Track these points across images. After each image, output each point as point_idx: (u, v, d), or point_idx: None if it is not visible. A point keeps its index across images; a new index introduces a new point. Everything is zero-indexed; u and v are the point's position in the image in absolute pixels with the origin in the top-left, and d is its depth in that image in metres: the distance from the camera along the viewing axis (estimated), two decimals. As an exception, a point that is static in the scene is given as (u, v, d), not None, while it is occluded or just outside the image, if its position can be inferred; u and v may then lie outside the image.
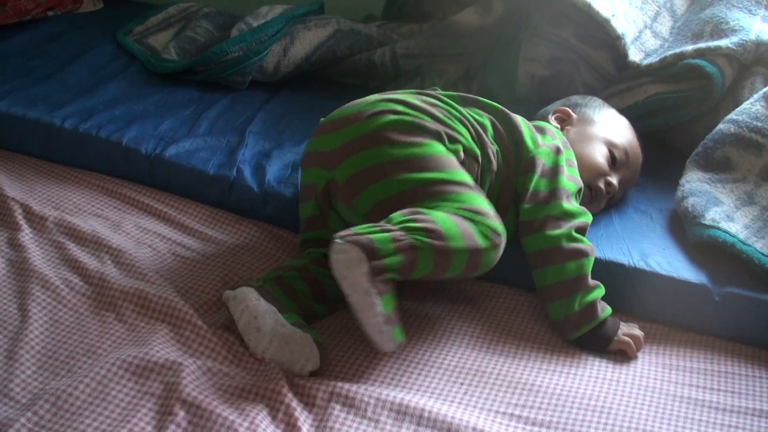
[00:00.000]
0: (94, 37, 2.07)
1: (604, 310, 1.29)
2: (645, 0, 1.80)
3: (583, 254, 1.30)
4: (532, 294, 1.38)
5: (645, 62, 1.69)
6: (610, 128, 1.53)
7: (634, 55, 1.70)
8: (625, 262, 1.36)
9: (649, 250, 1.40)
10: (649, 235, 1.46)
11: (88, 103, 1.72)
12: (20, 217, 1.45)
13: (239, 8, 2.26)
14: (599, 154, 1.47)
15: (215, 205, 1.55)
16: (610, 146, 1.49)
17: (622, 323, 1.30)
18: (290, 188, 1.51)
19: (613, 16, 1.66)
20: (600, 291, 1.30)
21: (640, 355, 1.27)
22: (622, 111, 1.65)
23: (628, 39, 1.71)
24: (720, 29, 1.67)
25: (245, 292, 1.21)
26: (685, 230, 1.43)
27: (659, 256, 1.38)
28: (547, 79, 1.80)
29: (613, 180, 1.48)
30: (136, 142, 1.61)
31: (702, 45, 1.64)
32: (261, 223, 1.51)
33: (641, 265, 1.36)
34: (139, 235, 1.46)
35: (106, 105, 1.72)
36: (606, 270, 1.36)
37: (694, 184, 1.49)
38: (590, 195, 1.46)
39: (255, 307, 1.19)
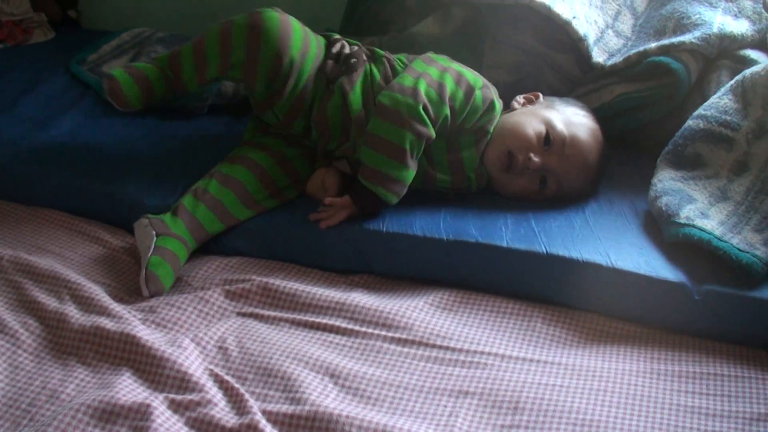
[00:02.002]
0: (46, 68, 2.00)
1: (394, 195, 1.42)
2: (604, 0, 1.77)
3: (406, 125, 1.40)
4: (515, 302, 1.35)
5: (609, 62, 1.67)
6: (561, 115, 1.50)
7: (598, 56, 1.67)
8: (602, 263, 1.33)
9: (626, 249, 1.37)
10: (625, 235, 1.42)
11: (43, 136, 1.66)
12: (-27, 259, 1.38)
13: (193, 30, 2.20)
14: (531, 128, 1.47)
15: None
16: (549, 126, 1.47)
17: None
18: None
19: (573, 18, 1.63)
20: (408, 175, 1.43)
21: (627, 361, 1.23)
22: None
23: (591, 40, 1.67)
24: (682, 24, 1.64)
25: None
26: (661, 230, 1.40)
27: (636, 256, 1.35)
28: (512, 86, 1.75)
29: (536, 158, 1.45)
30: (92, 178, 1.55)
31: (665, 41, 1.61)
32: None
33: (618, 264, 1.33)
34: (97, 269, 1.40)
35: (62, 138, 1.66)
36: (583, 270, 1.33)
37: (667, 182, 1.45)
38: (509, 163, 1.47)
39: None
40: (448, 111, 1.45)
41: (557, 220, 1.47)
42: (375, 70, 1.54)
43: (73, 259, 1.42)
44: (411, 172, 1.44)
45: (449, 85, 1.45)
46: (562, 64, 1.73)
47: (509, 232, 1.42)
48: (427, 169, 1.50)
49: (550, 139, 1.47)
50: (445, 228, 1.43)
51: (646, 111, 1.63)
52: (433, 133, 1.43)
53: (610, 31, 1.74)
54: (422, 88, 1.43)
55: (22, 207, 1.56)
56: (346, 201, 1.45)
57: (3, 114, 1.75)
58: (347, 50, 1.58)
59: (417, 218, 1.46)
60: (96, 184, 1.54)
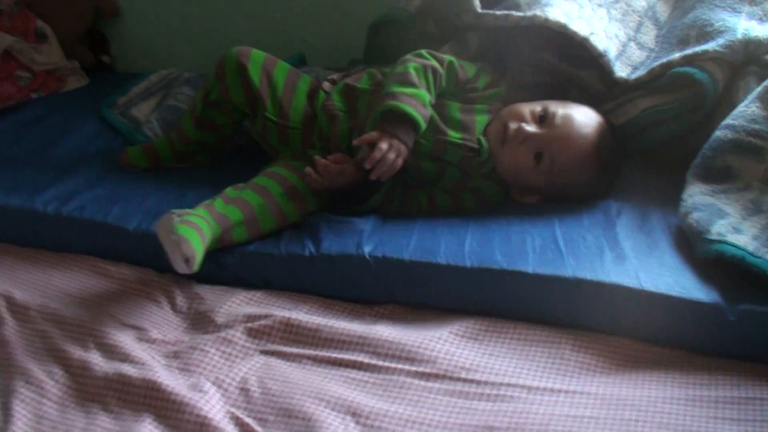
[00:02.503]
0: (79, 115, 2.02)
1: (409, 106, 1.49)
2: (625, 12, 1.72)
3: (408, 60, 1.57)
4: (543, 329, 1.32)
5: (633, 76, 1.62)
6: (562, 102, 1.55)
7: (621, 71, 1.63)
8: (632, 285, 1.29)
9: (656, 270, 1.33)
10: (656, 253, 1.38)
11: (70, 184, 1.67)
12: (3, 309, 1.39)
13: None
14: (527, 106, 1.54)
15: (208, 280, 1.49)
16: (544, 105, 1.53)
17: None
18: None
19: (591, 34, 1.59)
20: (419, 93, 1.51)
21: (660, 387, 1.18)
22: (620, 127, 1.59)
23: (612, 55, 1.63)
24: (705, 32, 1.59)
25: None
26: (692, 247, 1.34)
27: (667, 276, 1.30)
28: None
29: (527, 127, 1.50)
30: (121, 220, 1.56)
31: (689, 51, 1.56)
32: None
33: (648, 286, 1.28)
34: (124, 312, 1.40)
35: (89, 185, 1.68)
36: (612, 294, 1.29)
37: (697, 197, 1.40)
38: (503, 133, 1.52)
39: None
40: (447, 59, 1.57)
41: (586, 240, 1.42)
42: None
43: (100, 303, 1.42)
44: (422, 91, 1.51)
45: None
46: (586, 81, 1.69)
47: (536, 257, 1.38)
48: (438, 123, 1.54)
49: (545, 117, 1.51)
50: (469, 254, 1.40)
51: (672, 124, 1.58)
52: (435, 63, 1.55)
53: (632, 44, 1.69)
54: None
55: (52, 254, 1.57)
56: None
57: (33, 164, 1.77)
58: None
59: (442, 244, 1.43)
60: (124, 228, 1.55)
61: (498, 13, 1.62)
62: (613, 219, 1.49)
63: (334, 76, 1.74)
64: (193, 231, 1.36)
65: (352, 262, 1.43)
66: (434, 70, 1.56)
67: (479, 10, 1.64)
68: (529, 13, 1.60)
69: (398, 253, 1.42)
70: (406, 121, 1.49)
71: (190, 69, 2.23)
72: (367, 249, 1.44)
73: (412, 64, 1.55)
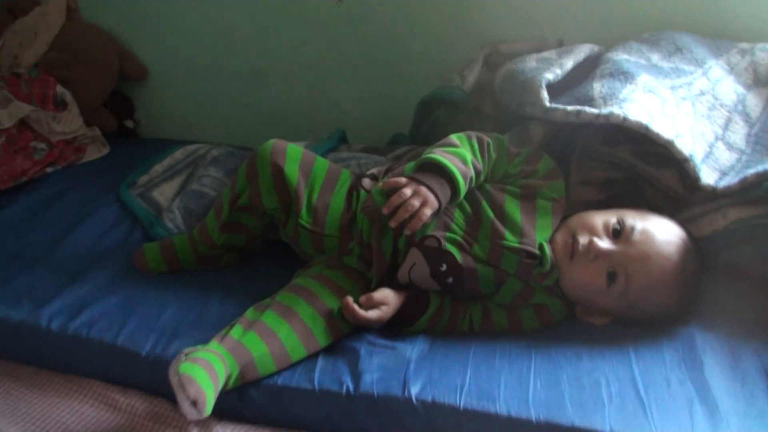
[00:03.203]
0: (97, 194, 1.84)
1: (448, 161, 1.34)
2: (712, 106, 1.51)
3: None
4: None
5: (721, 184, 1.40)
6: (639, 214, 1.37)
7: (708, 177, 1.41)
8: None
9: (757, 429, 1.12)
10: (755, 407, 1.18)
11: (80, 292, 1.48)
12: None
13: (252, 142, 2.04)
14: (600, 216, 1.37)
15: (230, 417, 1.30)
16: (620, 216, 1.36)
17: None
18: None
19: (677, 136, 1.38)
20: (463, 153, 1.37)
21: None
22: (699, 241, 1.39)
23: (698, 158, 1.42)
24: (808, 138, 1.37)
25: None
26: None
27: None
28: (605, 204, 1.51)
29: (599, 242, 1.32)
30: (132, 341, 1.37)
31: (789, 161, 1.34)
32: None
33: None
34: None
35: (101, 292, 1.49)
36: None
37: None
38: (573, 248, 1.34)
39: None
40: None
41: (671, 386, 1.23)
42: None
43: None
44: (463, 150, 1.38)
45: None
46: (665, 182, 1.48)
47: (613, 409, 1.19)
48: (495, 225, 1.38)
49: (621, 230, 1.34)
50: (535, 402, 1.21)
51: (766, 240, 1.36)
52: (480, 133, 1.42)
53: (720, 144, 1.48)
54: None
55: (57, 377, 1.39)
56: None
57: (41, 262, 1.58)
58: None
59: (502, 385, 1.24)
60: (137, 352, 1.36)
61: (570, 109, 1.42)
62: (698, 355, 1.29)
63: (374, 171, 1.55)
64: (200, 369, 1.19)
65: (397, 406, 1.24)
66: (479, 138, 1.42)
67: (548, 104, 1.45)
68: (605, 111, 1.40)
69: (451, 396, 1.23)
70: (441, 173, 1.34)
71: (220, 138, 2.10)
72: (414, 390, 1.24)
73: (455, 134, 1.43)
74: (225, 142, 2.04)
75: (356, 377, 1.27)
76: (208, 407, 1.18)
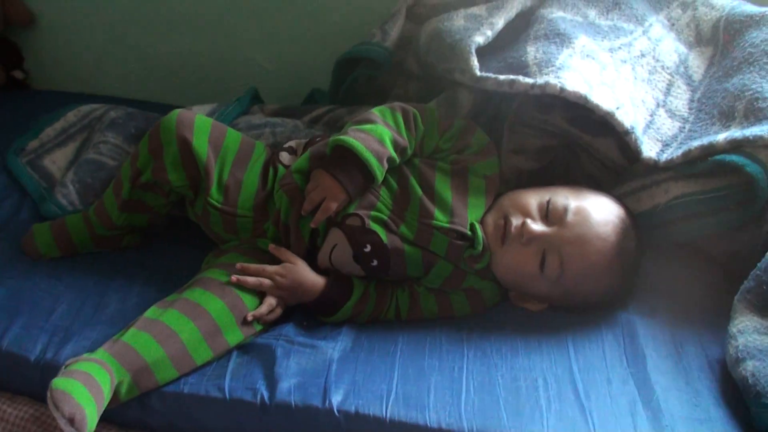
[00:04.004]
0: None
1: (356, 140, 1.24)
2: (653, 69, 1.40)
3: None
4: None
5: (663, 157, 1.30)
6: (572, 190, 1.28)
7: (650, 149, 1.31)
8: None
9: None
10: (698, 411, 1.10)
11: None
12: None
13: (157, 96, 1.89)
14: (534, 195, 1.28)
15: (133, 426, 1.17)
16: (553, 195, 1.27)
17: None
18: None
19: (617, 107, 1.27)
20: (376, 128, 1.26)
21: None
22: (640, 217, 1.30)
23: (639, 129, 1.31)
24: (756, 108, 1.27)
25: None
26: (746, 403, 1.06)
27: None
28: (538, 174, 1.42)
29: (535, 227, 1.23)
30: (19, 345, 1.21)
31: (737, 134, 1.24)
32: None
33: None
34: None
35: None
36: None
37: (751, 337, 1.11)
38: (505, 231, 1.25)
39: None
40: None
41: (612, 385, 1.15)
42: None
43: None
44: (379, 126, 1.26)
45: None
46: (603, 151, 1.38)
47: (551, 415, 1.10)
48: (424, 203, 1.27)
49: (554, 211, 1.25)
50: (468, 410, 1.11)
51: (710, 218, 1.27)
52: (407, 106, 1.31)
53: (661, 111, 1.37)
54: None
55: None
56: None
57: None
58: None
59: (432, 389, 1.14)
60: (24, 357, 1.20)
61: (502, 78, 1.29)
62: (640, 347, 1.21)
63: (293, 144, 1.40)
64: (76, 383, 1.06)
65: (317, 417, 1.12)
66: (404, 111, 1.31)
67: (478, 73, 1.31)
68: (540, 81, 1.27)
69: (376, 406, 1.11)
70: (352, 158, 1.24)
71: (119, 92, 1.92)
72: (336, 399, 1.12)
73: (377, 107, 1.32)
74: (125, 96, 1.87)
75: (272, 384, 1.15)
76: (90, 424, 1.04)
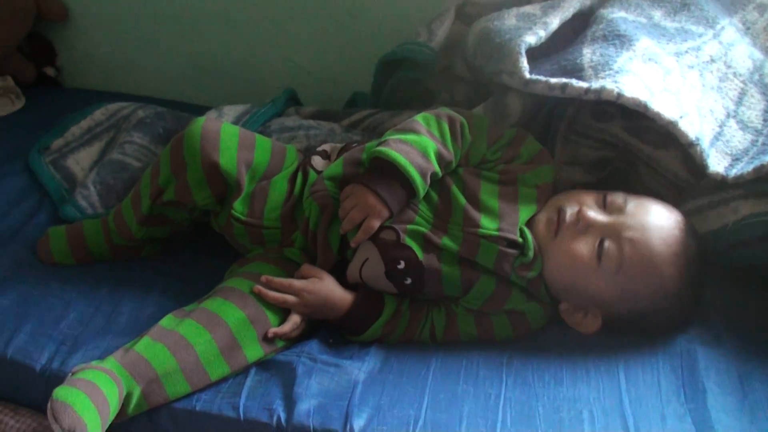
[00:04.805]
0: (3, 159, 1.65)
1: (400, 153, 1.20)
2: (724, 76, 1.35)
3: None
4: None
5: (733, 173, 1.25)
6: (629, 193, 1.25)
7: (717, 164, 1.26)
8: None
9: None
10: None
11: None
12: None
13: (190, 97, 1.90)
14: (588, 192, 1.26)
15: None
16: (610, 193, 1.24)
17: None
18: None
19: (680, 117, 1.22)
20: (422, 140, 1.22)
21: None
22: (706, 237, 1.25)
23: (706, 141, 1.26)
24: (839, 119, 1.21)
25: None
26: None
27: None
28: (594, 188, 1.36)
29: (593, 213, 1.20)
30: (25, 353, 1.20)
31: (818, 148, 1.18)
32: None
33: None
34: None
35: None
36: None
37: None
38: (558, 223, 1.22)
39: None
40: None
41: (666, 422, 1.09)
42: None
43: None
44: (424, 138, 1.23)
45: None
46: (664, 163, 1.32)
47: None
48: (468, 212, 1.24)
49: (612, 204, 1.23)
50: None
51: (787, 242, 1.21)
52: (453, 113, 1.28)
53: (732, 122, 1.32)
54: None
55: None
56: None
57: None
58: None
59: (464, 417, 1.10)
60: (29, 366, 1.20)
61: (554, 81, 1.25)
62: (700, 380, 1.14)
63: (326, 147, 1.38)
64: (79, 393, 1.04)
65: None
66: (451, 120, 1.27)
67: (528, 75, 1.27)
68: (596, 85, 1.23)
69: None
70: (394, 172, 1.21)
71: (152, 91, 1.93)
72: (358, 424, 1.09)
73: (422, 114, 1.29)
74: (157, 96, 1.88)
75: (290, 404, 1.12)
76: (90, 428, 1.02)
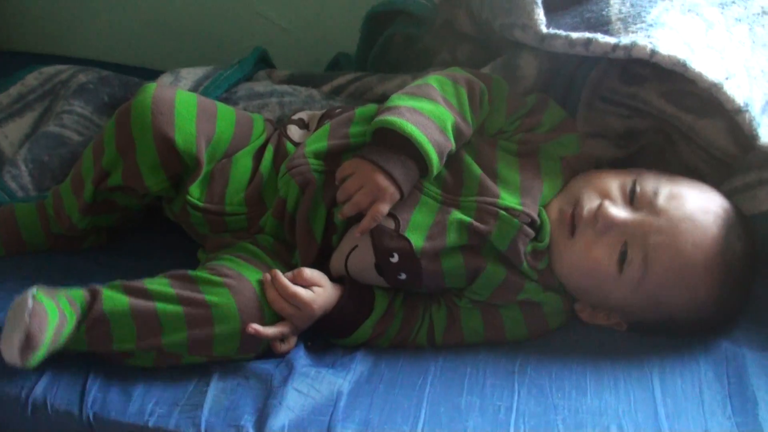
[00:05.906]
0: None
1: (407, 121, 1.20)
2: (779, 34, 1.38)
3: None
4: None
5: (788, 143, 1.28)
6: (664, 173, 1.28)
7: (768, 134, 1.29)
8: None
9: None
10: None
11: None
12: None
13: (140, 60, 1.94)
14: (613, 175, 1.27)
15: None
16: (641, 180, 1.25)
17: None
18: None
19: (726, 78, 1.25)
20: (434, 107, 1.23)
21: None
22: (756, 219, 1.29)
23: (756, 107, 1.28)
24: None
25: None
26: None
27: None
28: (623, 164, 1.39)
29: (615, 211, 1.21)
30: None
31: None
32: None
33: None
34: None
35: None
36: None
37: None
38: (572, 220, 1.24)
39: None
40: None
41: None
42: None
43: None
44: (441, 108, 1.24)
45: None
46: (706, 134, 1.34)
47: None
48: (483, 178, 1.25)
49: (641, 195, 1.23)
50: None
51: None
52: (472, 76, 1.30)
53: (788, 86, 1.35)
54: None
55: None
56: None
57: None
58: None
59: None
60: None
61: (575, 36, 1.28)
62: (750, 389, 1.17)
63: (303, 116, 1.39)
64: (52, 303, 1.12)
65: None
66: (470, 85, 1.29)
67: (544, 29, 1.30)
68: (625, 41, 1.26)
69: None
70: (405, 145, 1.20)
71: (96, 53, 1.99)
72: (338, 446, 1.10)
73: (434, 76, 1.30)
74: (103, 59, 1.92)
75: (261, 419, 1.12)
76: (39, 357, 1.10)
